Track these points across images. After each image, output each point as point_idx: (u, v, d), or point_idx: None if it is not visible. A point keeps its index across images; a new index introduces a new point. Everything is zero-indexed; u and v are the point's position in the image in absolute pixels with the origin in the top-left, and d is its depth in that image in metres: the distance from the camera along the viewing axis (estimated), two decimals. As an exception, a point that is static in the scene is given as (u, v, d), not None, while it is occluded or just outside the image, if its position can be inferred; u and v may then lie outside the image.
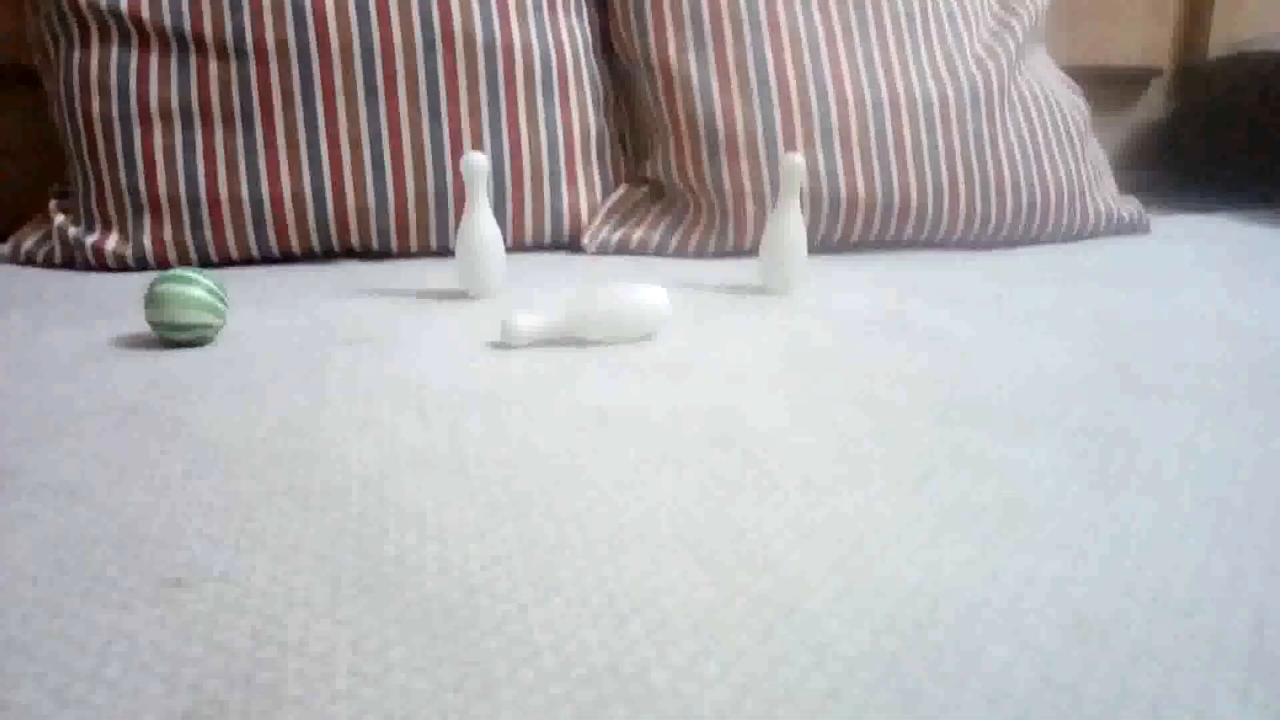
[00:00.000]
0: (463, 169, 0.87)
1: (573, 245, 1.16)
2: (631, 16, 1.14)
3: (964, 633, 0.38)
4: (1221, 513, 0.48)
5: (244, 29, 1.01)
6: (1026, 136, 1.19)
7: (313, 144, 1.03)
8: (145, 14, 1.00)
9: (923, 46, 1.17)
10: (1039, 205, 1.19)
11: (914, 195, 1.12)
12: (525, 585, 0.41)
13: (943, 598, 0.40)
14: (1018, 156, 1.18)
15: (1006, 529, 0.47)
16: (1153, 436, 0.59)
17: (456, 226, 1.09)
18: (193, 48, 1.01)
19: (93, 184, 1.03)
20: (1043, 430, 0.59)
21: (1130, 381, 0.69)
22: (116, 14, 1.00)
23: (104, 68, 1.01)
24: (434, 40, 1.05)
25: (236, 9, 1.01)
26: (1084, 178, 1.24)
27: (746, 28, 1.12)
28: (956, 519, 0.48)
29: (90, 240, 1.03)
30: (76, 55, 1.02)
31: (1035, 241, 1.23)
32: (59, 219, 1.06)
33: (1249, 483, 0.52)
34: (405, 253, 1.11)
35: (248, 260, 1.07)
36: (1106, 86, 1.68)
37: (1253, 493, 0.51)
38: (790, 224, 0.91)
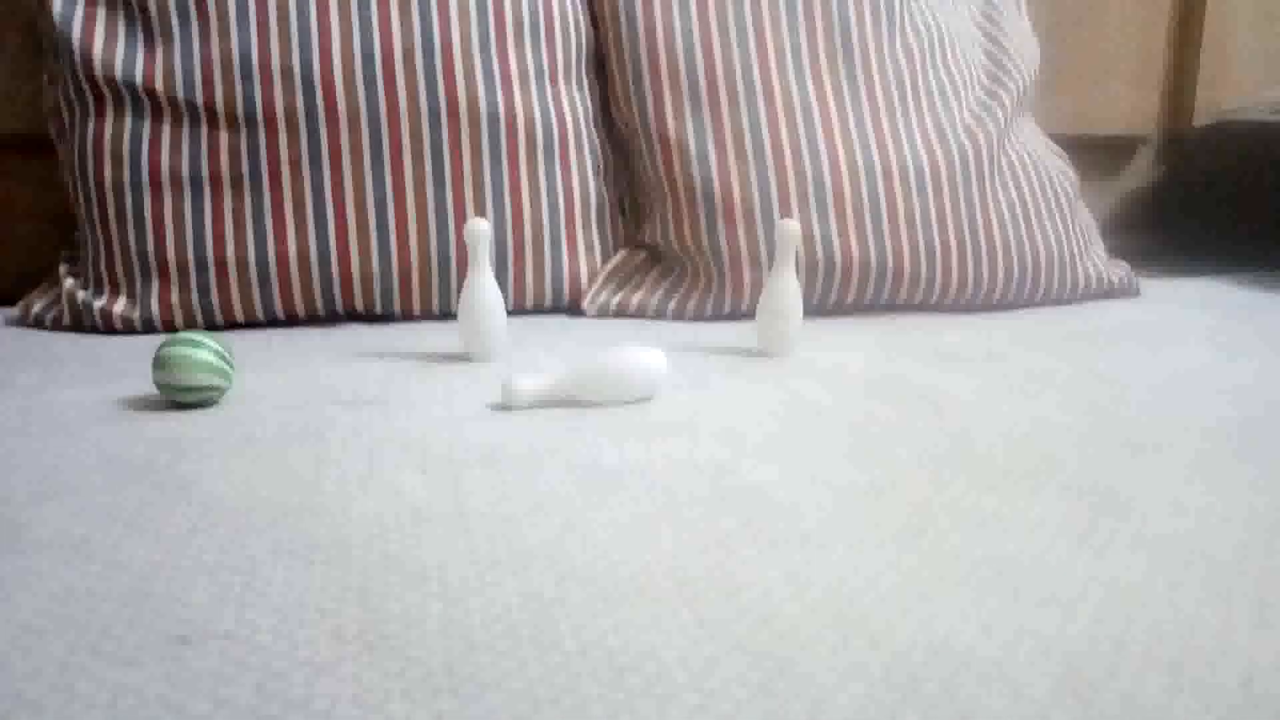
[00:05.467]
0: (465, 235, 0.89)
1: (573, 309, 1.18)
2: (631, 86, 1.17)
3: (957, 686, 0.39)
4: (1211, 568, 0.49)
5: (253, 98, 1.04)
6: (1016, 203, 1.22)
7: (319, 208, 1.06)
8: (159, 85, 1.03)
9: (914, 116, 1.20)
10: (1029, 269, 1.21)
11: (906, 260, 1.15)
12: (525, 640, 0.42)
13: (937, 651, 0.41)
14: (1008, 222, 1.20)
15: (1000, 583, 0.47)
16: (1143, 493, 0.60)
17: (459, 290, 1.11)
18: (203, 117, 1.04)
19: (102, 249, 1.05)
20: (1035, 486, 0.60)
21: (1122, 439, 0.70)
22: (131, 85, 1.04)
23: (117, 136, 1.04)
24: (438, 109, 1.08)
25: (247, 79, 1.04)
26: (1073, 242, 1.26)
27: (743, 97, 1.15)
28: (951, 573, 0.48)
29: (99, 304, 1.05)
30: (91, 124, 1.05)
31: (1027, 305, 1.25)
32: (68, 283, 1.08)
33: (1238, 539, 0.53)
34: (408, 316, 1.13)
35: (254, 323, 1.08)
36: (1095, 154, 1.71)
37: (1241, 548, 0.52)
38: (786, 288, 0.93)
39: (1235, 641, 0.42)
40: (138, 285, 1.04)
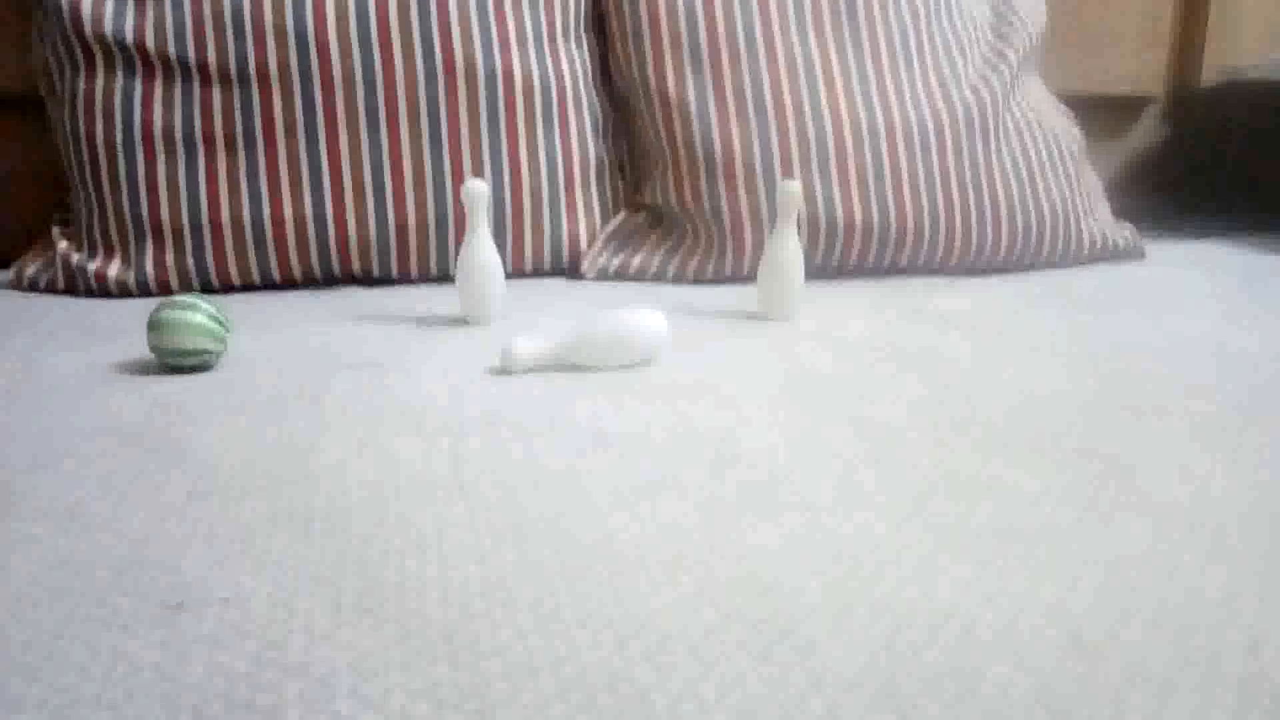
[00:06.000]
0: (463, 196, 0.88)
1: (572, 271, 1.17)
2: (630, 45, 1.15)
3: (961, 654, 0.38)
4: (1216, 535, 0.49)
5: (246, 56, 1.02)
6: (1021, 163, 1.20)
7: (314, 169, 1.04)
8: (150, 42, 1.02)
9: (918, 74, 1.18)
10: (1034, 231, 1.20)
11: (909, 221, 1.13)
12: (525, 608, 0.42)
13: (940, 619, 0.41)
14: (1013, 182, 1.19)
15: (1003, 551, 0.47)
16: (1148, 460, 0.59)
17: (457, 252, 1.10)
18: (196, 75, 1.02)
19: (95, 210, 1.04)
20: (1039, 453, 0.60)
21: (1126, 405, 0.69)
22: (121, 43, 1.02)
23: (108, 95, 1.03)
24: (435, 68, 1.06)
25: (239, 36, 1.02)
26: (1079, 203, 1.25)
27: (744, 56, 1.13)
28: (954, 541, 0.48)
29: (92, 266, 1.04)
30: (81, 83, 1.03)
31: (1031, 267, 1.24)
32: (61, 245, 1.07)
33: (1244, 506, 0.53)
34: (405, 278, 1.12)
35: (249, 285, 1.07)
36: (1101, 113, 1.69)
37: (1247, 516, 0.51)
38: (788, 249, 0.92)
39: (1240, 610, 0.42)
40: (132, 247, 1.03)
